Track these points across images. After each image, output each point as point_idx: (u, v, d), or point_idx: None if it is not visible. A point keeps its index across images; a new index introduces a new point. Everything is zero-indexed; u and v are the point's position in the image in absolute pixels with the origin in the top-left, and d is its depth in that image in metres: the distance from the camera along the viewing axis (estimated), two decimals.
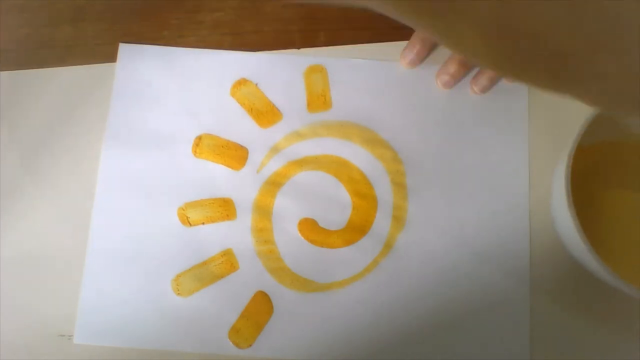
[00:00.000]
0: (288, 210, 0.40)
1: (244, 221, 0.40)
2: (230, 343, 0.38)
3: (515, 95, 0.42)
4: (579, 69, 0.19)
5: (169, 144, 0.41)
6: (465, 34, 0.20)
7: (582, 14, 0.18)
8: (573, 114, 0.39)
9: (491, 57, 0.20)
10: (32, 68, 0.43)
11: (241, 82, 0.42)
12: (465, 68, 0.41)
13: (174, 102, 0.42)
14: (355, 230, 0.40)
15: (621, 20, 0.18)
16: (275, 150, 0.41)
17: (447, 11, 0.20)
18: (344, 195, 0.41)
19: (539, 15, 0.18)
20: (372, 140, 0.41)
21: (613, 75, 0.19)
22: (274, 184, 0.41)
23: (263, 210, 0.40)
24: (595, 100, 0.21)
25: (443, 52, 0.42)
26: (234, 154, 0.41)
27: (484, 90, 0.41)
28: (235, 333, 0.38)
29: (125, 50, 0.43)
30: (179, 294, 0.39)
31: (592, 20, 0.18)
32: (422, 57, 0.41)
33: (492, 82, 0.41)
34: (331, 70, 0.43)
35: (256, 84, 0.42)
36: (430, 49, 0.41)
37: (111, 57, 0.43)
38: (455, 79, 0.41)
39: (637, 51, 0.18)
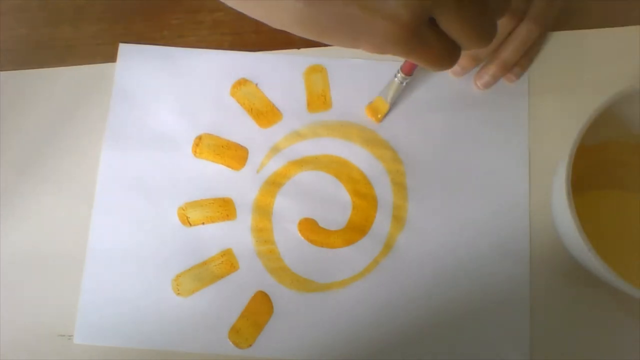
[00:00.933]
0: (288, 210, 0.40)
1: (244, 221, 0.40)
2: (230, 343, 0.38)
3: (515, 95, 0.42)
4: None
5: (169, 144, 0.41)
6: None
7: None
8: (573, 114, 0.39)
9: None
10: (32, 68, 0.43)
11: (241, 82, 0.42)
12: (474, 61, 0.41)
13: (174, 102, 0.42)
14: (355, 230, 0.40)
15: None
16: (275, 150, 0.41)
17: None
18: (344, 195, 0.41)
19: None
20: (372, 140, 0.41)
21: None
22: (274, 184, 0.41)
23: (263, 210, 0.40)
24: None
25: None
26: (234, 154, 0.41)
27: (487, 86, 0.41)
28: (235, 333, 0.38)
29: (125, 50, 0.43)
30: (179, 294, 0.39)
31: None
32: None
33: (495, 79, 0.41)
34: (331, 70, 0.43)
35: (256, 84, 0.42)
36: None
37: (111, 57, 0.43)
38: (465, 70, 0.42)
39: None
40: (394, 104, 0.41)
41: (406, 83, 0.39)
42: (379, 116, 0.41)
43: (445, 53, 0.27)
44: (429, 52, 0.26)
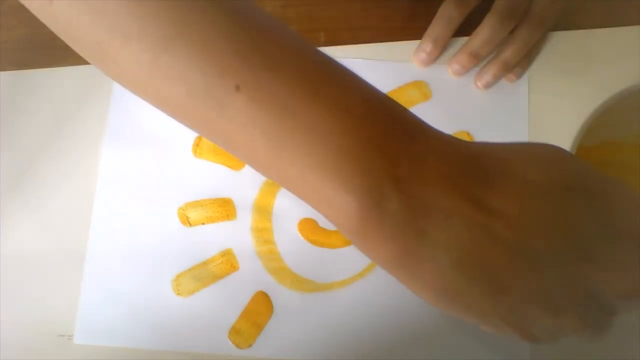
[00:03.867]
0: (288, 210, 0.40)
1: (244, 221, 0.40)
2: (230, 343, 0.38)
3: (515, 95, 0.42)
4: None
5: (169, 144, 0.41)
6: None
7: None
8: (573, 114, 0.39)
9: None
10: (32, 68, 0.43)
11: None
12: (475, 60, 0.41)
13: None
14: None
15: None
16: None
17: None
18: None
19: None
20: None
21: None
22: (274, 184, 0.41)
23: (263, 210, 0.40)
24: None
25: (451, 54, 0.42)
26: None
27: (487, 85, 0.41)
28: (235, 333, 0.38)
29: None
30: (179, 294, 0.39)
31: None
32: (434, 57, 0.42)
33: (496, 79, 0.41)
34: None
35: None
36: (441, 48, 0.42)
37: None
38: (466, 69, 0.42)
39: None
40: None
41: None
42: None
43: None
44: None
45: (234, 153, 0.23)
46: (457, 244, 0.20)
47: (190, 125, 0.23)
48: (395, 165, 0.21)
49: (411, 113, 0.23)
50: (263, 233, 0.40)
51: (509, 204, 0.21)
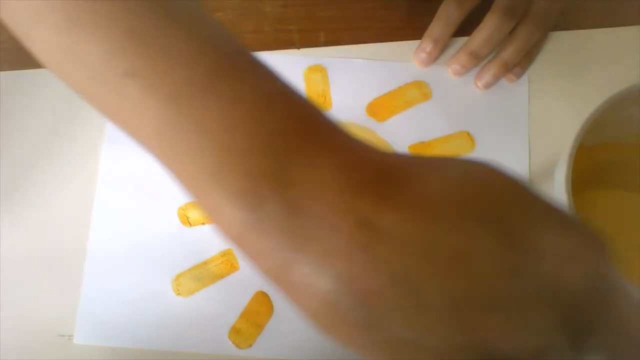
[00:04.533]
0: None
1: None
2: (230, 343, 0.38)
3: (515, 95, 0.42)
4: None
5: None
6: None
7: None
8: (573, 114, 0.39)
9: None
10: (32, 68, 0.43)
11: None
12: (475, 60, 0.41)
13: None
14: None
15: None
16: None
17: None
18: None
19: None
20: (372, 140, 0.41)
21: None
22: None
23: None
24: None
25: (451, 54, 0.42)
26: None
27: (487, 85, 0.41)
28: (235, 333, 0.38)
29: None
30: (179, 294, 0.39)
31: None
32: (434, 57, 0.42)
33: (496, 79, 0.41)
34: (331, 70, 0.42)
35: None
36: (441, 48, 0.42)
37: None
38: (466, 69, 0.42)
39: None
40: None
41: None
42: None
43: None
44: None
45: (130, 135, 0.22)
46: (335, 264, 0.18)
47: (98, 110, 0.22)
48: (280, 170, 0.18)
49: (318, 109, 0.21)
50: None
51: (401, 225, 0.18)
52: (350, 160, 0.19)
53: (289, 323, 0.38)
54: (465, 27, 0.41)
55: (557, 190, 0.34)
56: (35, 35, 0.22)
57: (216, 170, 0.19)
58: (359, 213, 0.18)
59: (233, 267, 0.39)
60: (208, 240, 0.40)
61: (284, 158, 0.19)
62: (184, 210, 0.40)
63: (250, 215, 0.18)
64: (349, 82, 0.42)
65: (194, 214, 0.40)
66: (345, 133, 0.20)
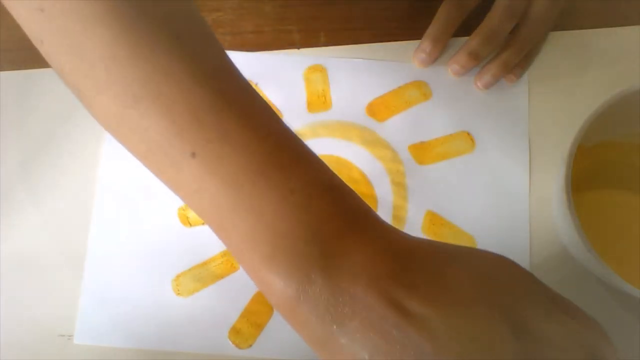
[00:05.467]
0: None
1: None
2: (230, 343, 0.38)
3: (516, 95, 0.42)
4: None
5: None
6: None
7: None
8: (573, 114, 0.39)
9: None
10: (32, 68, 0.43)
11: None
12: (475, 60, 0.41)
13: None
14: None
15: None
16: None
17: None
18: None
19: None
20: (372, 140, 0.41)
21: None
22: None
23: None
24: None
25: (451, 54, 0.42)
26: None
27: (487, 86, 0.41)
28: (235, 333, 0.38)
29: None
30: (179, 294, 0.39)
31: None
32: (434, 57, 0.42)
33: (496, 79, 0.41)
34: (331, 70, 0.43)
35: (256, 84, 0.42)
36: (441, 49, 0.42)
37: None
38: (466, 69, 0.41)
39: None
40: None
41: None
42: None
43: None
44: None
45: (190, 207, 0.25)
46: (371, 341, 0.20)
47: (152, 172, 0.25)
48: (326, 256, 0.21)
49: (357, 198, 0.24)
50: None
51: (428, 310, 0.20)
52: (386, 248, 0.22)
53: None
54: (465, 27, 0.41)
55: (557, 190, 0.34)
56: (98, 102, 0.23)
57: (270, 253, 0.22)
58: (392, 296, 0.21)
59: (233, 267, 0.39)
60: (208, 240, 0.40)
61: (329, 245, 0.22)
62: (184, 210, 0.40)
63: (299, 293, 0.21)
64: (349, 82, 0.42)
65: (194, 214, 0.40)
66: (382, 221, 0.23)
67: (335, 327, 0.21)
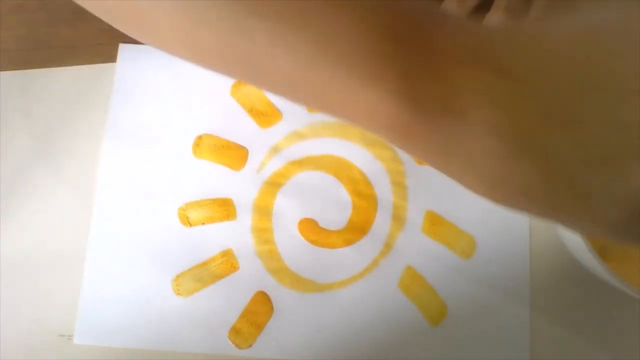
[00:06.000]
0: (288, 210, 0.40)
1: (244, 221, 0.40)
2: (230, 343, 0.38)
3: None
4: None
5: (169, 144, 0.41)
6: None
7: None
8: None
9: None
10: (32, 68, 0.43)
11: (241, 82, 0.42)
12: None
13: (174, 102, 0.42)
14: (355, 230, 0.40)
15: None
16: (275, 150, 0.41)
17: None
18: (344, 195, 0.41)
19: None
20: (372, 140, 0.41)
21: None
22: (274, 184, 0.41)
23: (263, 211, 0.40)
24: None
25: None
26: (234, 154, 0.41)
27: None
28: (235, 333, 0.38)
29: (125, 50, 0.43)
30: (179, 294, 0.39)
31: None
32: None
33: None
34: None
35: None
36: None
37: (111, 57, 0.43)
38: None
39: None
40: None
41: None
42: None
43: None
44: None
45: (262, 82, 0.23)
46: (491, 120, 0.19)
47: (224, 67, 0.23)
48: (424, 53, 0.20)
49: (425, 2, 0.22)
50: (263, 233, 0.40)
51: (533, 67, 0.20)
52: (472, 29, 0.21)
53: (289, 323, 0.38)
54: None
55: None
56: (153, 10, 0.23)
57: (364, 68, 0.20)
58: (498, 65, 0.20)
59: (233, 267, 0.39)
60: (208, 240, 0.40)
61: (425, 43, 0.20)
62: (184, 210, 0.40)
63: (409, 97, 0.20)
64: None
65: (194, 214, 0.40)
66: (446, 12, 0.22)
67: (456, 123, 0.20)
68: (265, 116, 0.42)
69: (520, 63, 0.20)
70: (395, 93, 0.20)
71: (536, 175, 0.20)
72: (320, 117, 0.42)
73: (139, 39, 0.25)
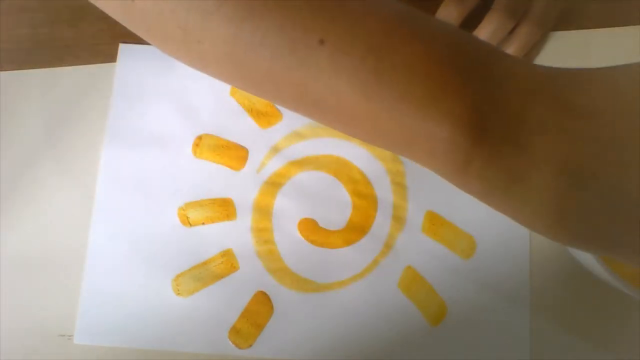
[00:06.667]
0: (288, 210, 0.40)
1: (244, 221, 0.40)
2: (230, 343, 0.38)
3: None
4: None
5: (169, 144, 0.41)
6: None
7: None
8: None
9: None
10: (32, 68, 0.43)
11: None
12: None
13: (174, 102, 0.42)
14: (355, 230, 0.40)
15: None
16: (275, 150, 0.41)
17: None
18: (344, 195, 0.41)
19: None
20: None
21: None
22: (274, 184, 0.41)
23: (263, 211, 0.40)
24: None
25: None
26: (234, 154, 0.41)
27: None
28: (235, 333, 0.38)
29: (125, 50, 0.43)
30: (179, 294, 0.39)
31: None
32: None
33: None
34: None
35: None
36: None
37: (111, 57, 0.43)
38: None
39: None
40: None
41: None
42: None
43: None
44: None
45: (323, 116, 0.23)
46: (555, 153, 0.20)
47: (277, 95, 0.23)
48: (487, 86, 0.20)
49: (477, 38, 0.23)
50: (263, 233, 0.40)
51: (600, 101, 0.20)
52: (530, 67, 0.21)
53: (289, 323, 0.38)
54: (465, 27, 0.41)
55: None
56: (203, 31, 0.22)
57: (427, 100, 0.20)
58: (563, 100, 0.20)
59: (233, 267, 0.39)
60: (208, 240, 0.40)
61: (486, 77, 0.21)
62: (184, 210, 0.40)
63: (471, 130, 0.20)
64: None
65: (194, 214, 0.40)
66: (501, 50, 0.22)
67: (516, 156, 0.20)
68: (265, 116, 0.42)
69: (587, 101, 0.20)
70: (460, 122, 0.20)
71: (598, 205, 0.20)
72: None
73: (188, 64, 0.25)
